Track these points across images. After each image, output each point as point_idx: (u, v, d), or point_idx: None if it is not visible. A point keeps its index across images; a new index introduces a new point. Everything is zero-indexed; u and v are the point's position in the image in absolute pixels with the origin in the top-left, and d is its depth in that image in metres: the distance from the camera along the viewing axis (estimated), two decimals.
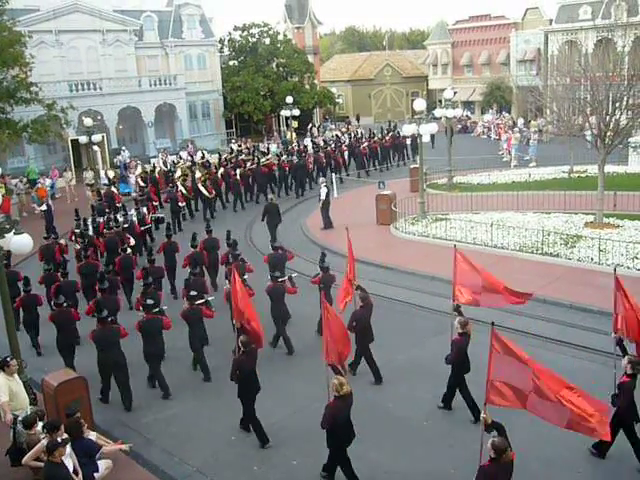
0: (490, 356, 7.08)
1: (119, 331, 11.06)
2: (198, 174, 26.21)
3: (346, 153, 32.22)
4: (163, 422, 10.52)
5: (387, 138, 34.37)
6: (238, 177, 26.54)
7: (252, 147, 35.53)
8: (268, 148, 34.90)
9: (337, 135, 37.18)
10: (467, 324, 9.87)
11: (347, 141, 34.34)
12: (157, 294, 13.05)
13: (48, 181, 28.84)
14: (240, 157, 29.49)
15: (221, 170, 26.99)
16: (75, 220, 19.53)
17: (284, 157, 29.27)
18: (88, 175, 29.19)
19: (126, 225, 19.23)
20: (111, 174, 29.18)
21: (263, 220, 20.99)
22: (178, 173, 26.97)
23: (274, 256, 15.00)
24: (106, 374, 11.08)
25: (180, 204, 23.88)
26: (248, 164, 27.65)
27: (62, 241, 18.27)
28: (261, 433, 9.70)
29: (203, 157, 30.82)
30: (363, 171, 31.73)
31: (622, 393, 8.43)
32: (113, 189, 24.86)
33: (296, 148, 31.88)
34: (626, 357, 8.62)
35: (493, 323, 7.24)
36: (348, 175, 30.52)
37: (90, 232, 18.84)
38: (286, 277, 13.58)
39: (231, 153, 32.50)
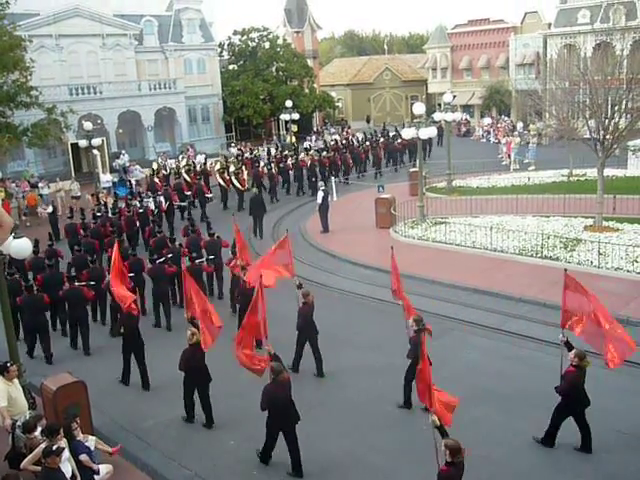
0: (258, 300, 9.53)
1: (43, 299, 13.18)
2: (232, 168, 28.54)
3: (345, 154, 32.50)
4: (162, 426, 10.49)
5: (382, 141, 34.82)
6: (273, 171, 28.40)
7: (295, 144, 37.46)
8: (310, 145, 36.96)
9: (336, 140, 37.48)
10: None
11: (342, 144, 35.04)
12: (102, 269, 15.13)
13: (44, 186, 28.85)
14: (284, 153, 32.25)
15: (262, 164, 29.17)
16: (95, 205, 22.59)
17: (324, 153, 30.74)
18: (74, 187, 28.96)
19: (141, 211, 21.57)
20: (155, 165, 31.24)
21: (251, 214, 22.50)
22: (217, 167, 29.04)
23: (210, 242, 16.28)
24: (31, 335, 13.21)
25: (207, 195, 25.65)
26: (288, 160, 30.04)
27: (86, 220, 20.37)
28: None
29: (251, 153, 33.90)
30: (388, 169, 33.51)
31: (414, 347, 9.81)
32: (156, 179, 27.61)
33: (332, 144, 34.50)
34: (412, 317, 10.15)
35: None
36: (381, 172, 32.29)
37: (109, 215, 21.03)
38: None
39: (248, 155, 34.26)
